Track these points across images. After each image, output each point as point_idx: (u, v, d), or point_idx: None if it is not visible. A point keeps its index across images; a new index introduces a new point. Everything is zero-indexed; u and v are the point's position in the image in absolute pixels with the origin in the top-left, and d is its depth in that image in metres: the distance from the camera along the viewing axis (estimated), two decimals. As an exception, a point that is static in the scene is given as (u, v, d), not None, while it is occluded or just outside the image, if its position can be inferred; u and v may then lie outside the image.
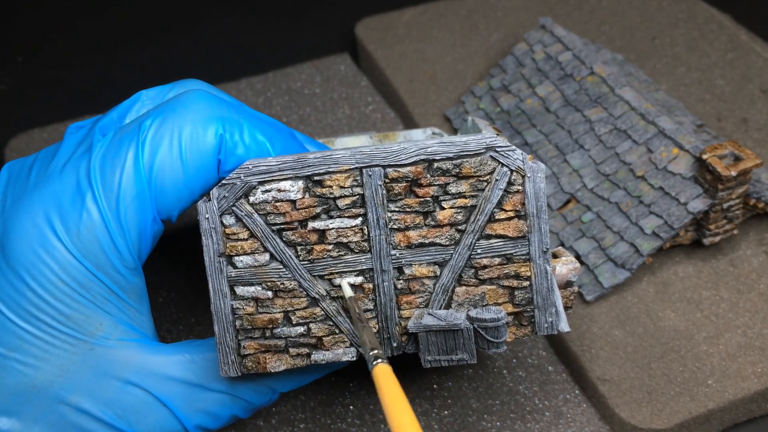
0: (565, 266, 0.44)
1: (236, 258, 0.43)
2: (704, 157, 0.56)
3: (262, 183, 0.42)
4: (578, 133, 0.63)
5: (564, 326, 0.44)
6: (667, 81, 0.72)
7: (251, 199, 0.42)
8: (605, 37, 0.76)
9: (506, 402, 0.54)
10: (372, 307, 0.43)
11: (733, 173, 0.55)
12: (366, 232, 0.43)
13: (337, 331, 0.44)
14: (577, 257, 0.59)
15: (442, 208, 0.43)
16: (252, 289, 0.43)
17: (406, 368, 0.56)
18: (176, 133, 0.43)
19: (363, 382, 0.55)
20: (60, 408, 0.43)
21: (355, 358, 0.44)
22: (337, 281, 0.43)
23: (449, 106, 0.72)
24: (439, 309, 0.44)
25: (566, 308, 0.45)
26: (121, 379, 0.43)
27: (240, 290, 0.43)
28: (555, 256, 0.46)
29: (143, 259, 0.44)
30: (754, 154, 0.56)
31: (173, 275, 0.61)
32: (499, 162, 0.42)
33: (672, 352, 0.54)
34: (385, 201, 0.43)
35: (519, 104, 0.67)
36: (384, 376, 0.36)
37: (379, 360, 0.37)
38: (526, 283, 0.43)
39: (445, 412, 0.54)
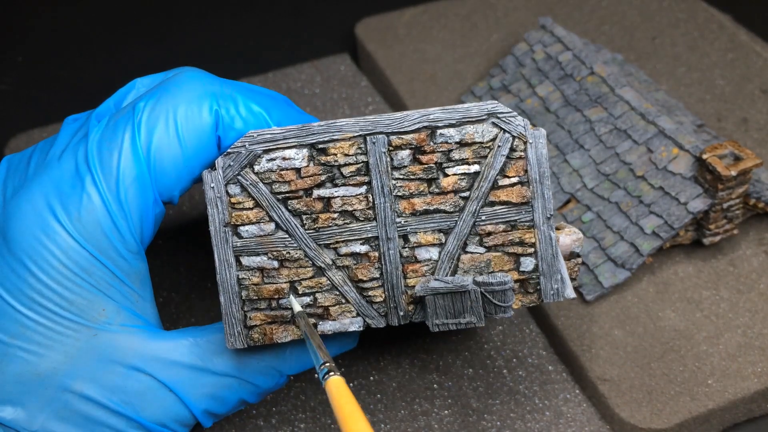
0: (568, 237, 0.44)
1: (241, 228, 0.43)
2: (704, 157, 0.56)
3: (266, 151, 0.42)
4: (578, 133, 0.63)
5: (570, 293, 0.44)
6: (667, 81, 0.72)
7: (256, 167, 0.42)
8: (605, 37, 0.76)
9: (506, 402, 0.54)
10: (378, 276, 0.43)
11: (733, 173, 0.55)
12: (371, 199, 0.43)
13: (343, 301, 0.43)
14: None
15: (446, 175, 0.43)
16: (258, 259, 0.43)
17: (406, 367, 0.56)
18: (171, 113, 0.42)
19: (363, 381, 0.55)
20: (65, 396, 0.42)
21: (362, 328, 0.44)
22: (343, 250, 0.43)
23: (449, 106, 0.72)
24: (445, 276, 0.43)
25: (571, 279, 0.45)
26: (125, 364, 0.43)
27: (246, 260, 0.43)
28: (557, 228, 0.45)
29: (146, 242, 0.43)
30: (754, 154, 0.56)
31: (173, 275, 0.61)
32: (501, 128, 0.43)
33: (672, 352, 0.54)
34: (389, 168, 0.43)
35: (519, 104, 0.67)
36: (338, 389, 0.35)
37: (332, 373, 0.36)
38: (530, 250, 0.43)
39: (445, 411, 0.54)
